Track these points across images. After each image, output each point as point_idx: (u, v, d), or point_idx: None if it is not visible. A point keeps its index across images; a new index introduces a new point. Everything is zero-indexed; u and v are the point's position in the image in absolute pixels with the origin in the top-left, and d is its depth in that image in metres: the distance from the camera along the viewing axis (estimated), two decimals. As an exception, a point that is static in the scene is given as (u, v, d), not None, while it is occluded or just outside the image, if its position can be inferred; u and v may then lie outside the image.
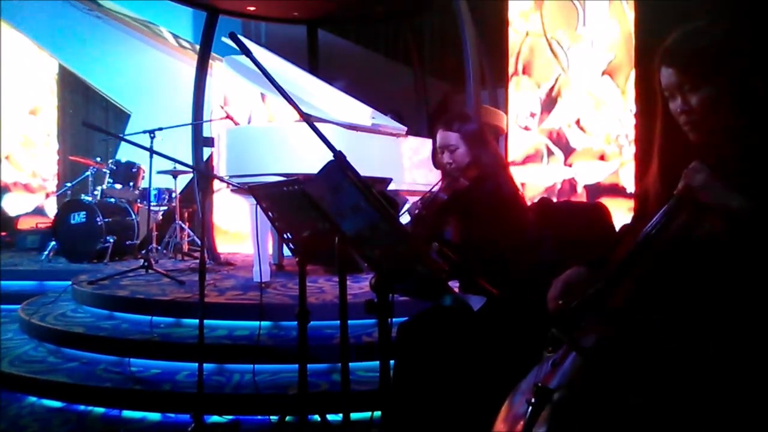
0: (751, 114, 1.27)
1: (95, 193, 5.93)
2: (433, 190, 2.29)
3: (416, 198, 2.42)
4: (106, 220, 5.59)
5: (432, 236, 2.25)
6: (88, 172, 6.08)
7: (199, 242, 5.81)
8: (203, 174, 5.61)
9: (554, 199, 4.99)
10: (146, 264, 4.40)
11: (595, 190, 5.12)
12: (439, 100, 7.13)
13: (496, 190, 2.21)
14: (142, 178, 6.05)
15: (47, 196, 8.10)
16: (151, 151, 3.39)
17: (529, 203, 3.72)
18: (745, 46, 1.28)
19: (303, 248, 2.13)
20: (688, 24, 1.32)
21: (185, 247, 5.97)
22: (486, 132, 2.39)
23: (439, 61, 7.32)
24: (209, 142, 5.56)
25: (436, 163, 2.41)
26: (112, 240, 5.59)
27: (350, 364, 2.08)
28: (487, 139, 2.35)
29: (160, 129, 4.65)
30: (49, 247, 5.86)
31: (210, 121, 5.84)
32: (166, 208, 6.17)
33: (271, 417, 2.65)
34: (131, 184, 5.97)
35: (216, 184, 5.74)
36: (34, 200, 8.08)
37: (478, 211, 2.22)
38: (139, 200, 6.06)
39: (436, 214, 2.21)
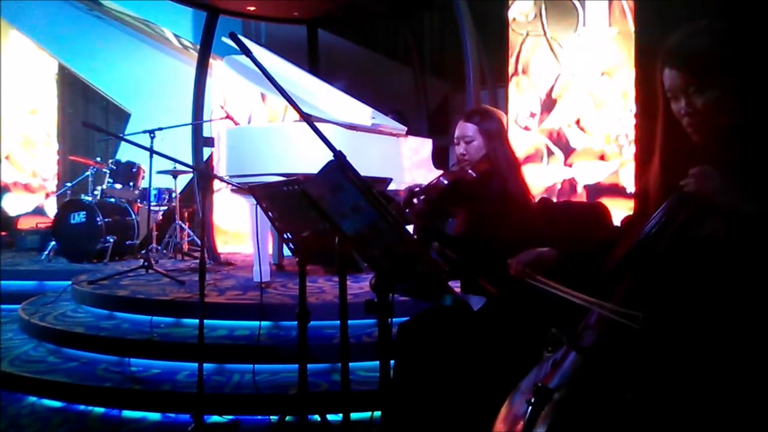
0: (756, 114, 1.26)
1: (95, 193, 5.93)
2: (438, 177, 2.29)
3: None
4: (106, 220, 5.58)
5: (428, 226, 2.24)
6: (88, 172, 6.08)
7: (199, 242, 5.81)
8: (203, 174, 5.61)
9: (554, 199, 4.99)
10: (146, 264, 4.40)
11: (595, 190, 5.11)
12: (440, 100, 7.12)
13: (502, 188, 2.20)
14: (142, 178, 6.05)
15: (47, 196, 8.10)
16: (151, 151, 3.39)
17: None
18: (749, 44, 1.26)
19: (303, 248, 2.14)
20: (690, 23, 1.30)
21: (185, 247, 5.97)
22: (505, 131, 2.38)
23: (439, 61, 7.31)
24: (209, 142, 5.56)
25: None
26: (112, 240, 5.59)
27: (350, 364, 2.08)
28: (506, 137, 2.34)
29: (160, 129, 4.64)
30: (49, 247, 5.86)
31: (210, 121, 5.84)
32: (166, 208, 6.17)
33: (271, 417, 2.65)
34: (131, 184, 5.96)
35: (216, 184, 5.74)
36: (34, 200, 8.08)
37: (481, 207, 2.21)
38: (139, 200, 6.06)
39: (435, 198, 2.21)
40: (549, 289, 1.44)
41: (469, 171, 2.27)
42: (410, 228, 2.19)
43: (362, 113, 4.03)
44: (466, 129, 2.30)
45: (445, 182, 2.23)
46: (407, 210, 2.17)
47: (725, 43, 1.25)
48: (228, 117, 5.33)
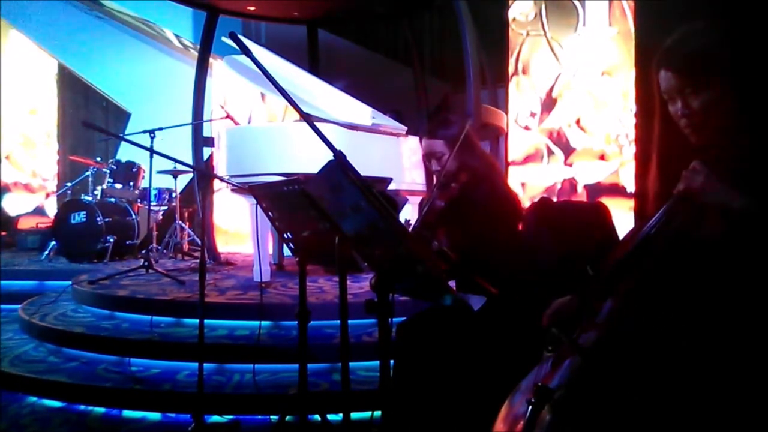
0: (752, 114, 1.26)
1: (95, 193, 5.93)
2: (432, 201, 2.27)
3: (416, 198, 2.41)
4: (106, 219, 5.58)
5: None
6: (88, 172, 6.08)
7: (199, 242, 5.81)
8: (203, 174, 5.61)
9: (554, 199, 4.99)
10: (146, 264, 4.40)
11: (595, 189, 5.11)
12: (440, 100, 7.12)
13: (488, 193, 2.20)
14: (142, 178, 6.05)
15: (47, 196, 8.10)
16: (151, 151, 3.39)
17: (528, 203, 3.72)
18: (745, 45, 1.26)
19: (303, 248, 2.14)
20: (686, 25, 1.31)
21: (185, 247, 5.97)
22: (470, 134, 2.31)
23: (439, 61, 7.31)
24: (209, 142, 5.56)
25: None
26: (112, 240, 5.59)
27: (350, 364, 2.08)
28: (473, 141, 2.30)
29: (160, 129, 4.65)
30: (49, 247, 5.86)
31: (210, 121, 5.84)
32: (166, 207, 6.17)
33: (271, 417, 2.66)
34: (131, 183, 5.97)
35: (216, 184, 5.73)
36: (34, 200, 8.08)
37: (472, 216, 2.21)
38: (139, 200, 6.06)
39: (435, 222, 2.21)
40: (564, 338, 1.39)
41: (453, 186, 2.26)
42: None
43: (362, 113, 4.03)
44: (434, 146, 2.27)
45: (443, 204, 2.22)
46: None
47: (721, 44, 1.26)
48: (228, 117, 5.33)
